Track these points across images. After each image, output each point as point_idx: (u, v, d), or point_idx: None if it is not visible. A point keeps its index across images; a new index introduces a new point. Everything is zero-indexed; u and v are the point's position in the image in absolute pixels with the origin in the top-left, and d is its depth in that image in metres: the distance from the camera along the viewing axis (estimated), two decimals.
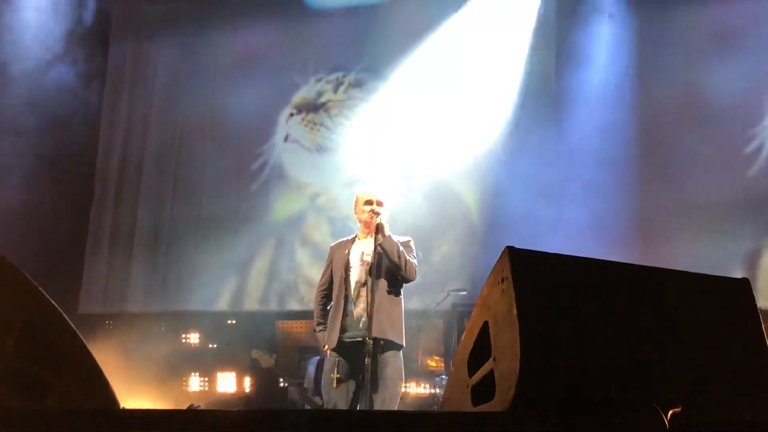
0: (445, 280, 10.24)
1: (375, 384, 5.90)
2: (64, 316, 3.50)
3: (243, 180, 11.55)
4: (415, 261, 6.21)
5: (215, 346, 11.10)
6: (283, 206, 11.44)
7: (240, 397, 10.53)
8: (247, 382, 10.76)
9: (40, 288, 3.49)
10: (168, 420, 3.11)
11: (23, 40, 10.73)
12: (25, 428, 3.06)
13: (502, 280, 3.22)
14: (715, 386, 3.19)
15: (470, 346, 3.47)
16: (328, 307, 6.36)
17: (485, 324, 3.34)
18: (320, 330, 6.36)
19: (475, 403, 3.33)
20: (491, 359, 3.23)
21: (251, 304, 11.29)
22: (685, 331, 3.28)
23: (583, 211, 10.12)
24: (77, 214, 11.68)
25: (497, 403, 3.09)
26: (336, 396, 6.05)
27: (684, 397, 3.00)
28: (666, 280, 3.44)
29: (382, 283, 6.10)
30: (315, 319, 6.45)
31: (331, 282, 6.39)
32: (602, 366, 3.14)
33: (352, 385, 6.10)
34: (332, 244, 6.60)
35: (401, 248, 6.12)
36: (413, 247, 6.32)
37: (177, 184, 11.83)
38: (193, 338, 11.11)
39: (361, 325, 6.05)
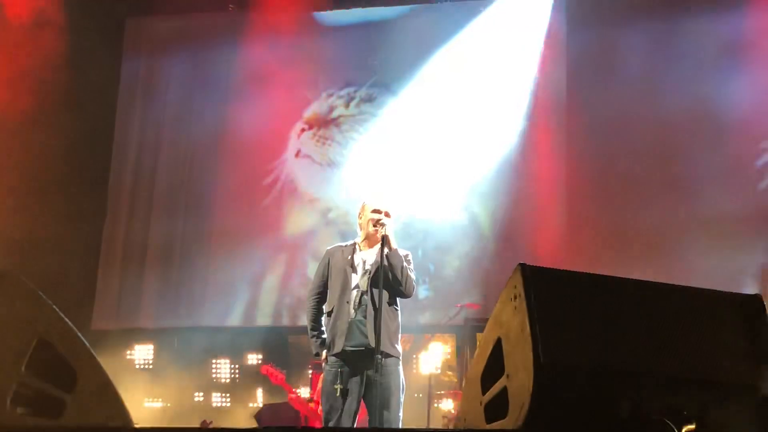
0: (457, 295, 10.24)
1: (380, 393, 5.87)
2: (78, 334, 3.51)
3: (255, 195, 11.57)
4: (413, 276, 6.18)
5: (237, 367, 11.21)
6: (294, 221, 11.46)
7: (251, 414, 10.56)
8: (260, 398, 10.81)
9: (53, 306, 3.50)
10: None
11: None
12: None
13: (515, 297, 3.22)
14: (727, 403, 3.19)
15: (483, 362, 3.47)
16: (323, 318, 6.30)
17: (498, 341, 3.35)
18: (314, 336, 6.28)
19: (488, 421, 3.33)
20: (504, 376, 3.23)
21: (263, 319, 11.30)
22: (697, 348, 3.27)
23: (595, 226, 10.12)
24: (90, 230, 11.70)
25: (510, 421, 3.09)
26: (338, 407, 6.00)
27: (697, 414, 3.00)
28: (678, 297, 3.44)
29: (383, 295, 6.05)
30: (309, 323, 6.29)
31: (325, 286, 6.30)
32: (615, 383, 3.14)
33: (354, 394, 6.04)
34: (329, 248, 6.51)
35: (405, 263, 6.10)
36: (411, 261, 6.28)
37: (189, 199, 11.85)
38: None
39: (362, 333, 6.02)
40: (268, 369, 9.82)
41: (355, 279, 6.16)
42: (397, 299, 6.18)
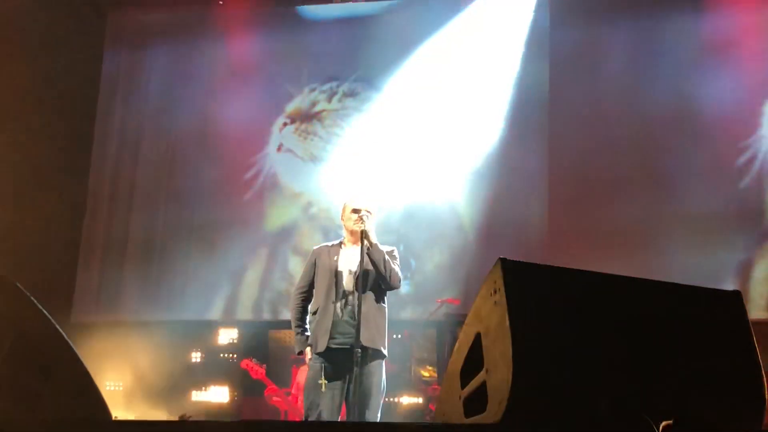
0: (438, 291, 10.23)
1: (362, 393, 5.91)
2: (57, 326, 3.49)
3: (236, 189, 11.51)
4: (398, 269, 6.23)
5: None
6: (276, 216, 11.42)
7: (231, 408, 10.53)
8: (238, 393, 10.78)
9: (32, 298, 3.48)
10: (159, 431, 3.11)
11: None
12: None
13: (495, 291, 3.22)
14: (706, 398, 3.20)
15: (462, 357, 3.47)
16: (307, 317, 6.34)
17: (477, 335, 3.35)
18: (299, 333, 6.32)
19: (467, 415, 3.33)
20: (483, 371, 3.23)
21: (244, 314, 11.26)
22: (676, 343, 3.29)
23: (576, 221, 10.14)
24: (70, 223, 11.64)
25: (489, 415, 3.09)
26: (320, 402, 6.02)
27: (675, 408, 3.00)
28: (658, 292, 3.45)
29: (369, 292, 6.12)
30: (293, 321, 6.36)
31: (311, 285, 6.36)
32: (594, 378, 3.15)
33: (337, 391, 6.08)
34: (315, 247, 6.57)
35: (387, 257, 6.15)
36: (397, 257, 6.34)
37: (170, 193, 11.78)
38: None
39: (348, 332, 6.05)
40: (247, 363, 9.81)
41: (341, 278, 6.22)
42: (385, 298, 6.23)
